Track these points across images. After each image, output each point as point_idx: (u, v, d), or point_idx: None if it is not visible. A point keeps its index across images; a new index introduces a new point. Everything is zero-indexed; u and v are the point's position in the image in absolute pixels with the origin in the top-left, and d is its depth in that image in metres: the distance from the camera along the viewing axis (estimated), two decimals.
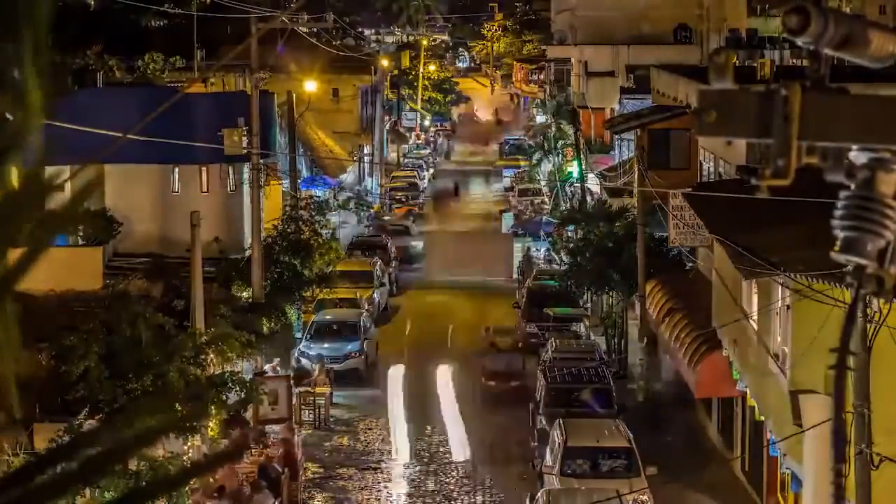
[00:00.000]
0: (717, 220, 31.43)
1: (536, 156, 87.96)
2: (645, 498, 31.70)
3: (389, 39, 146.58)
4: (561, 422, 34.71)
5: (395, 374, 46.94)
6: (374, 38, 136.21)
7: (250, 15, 46.24)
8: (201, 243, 34.19)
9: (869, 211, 3.62)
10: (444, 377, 46.95)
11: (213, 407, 29.90)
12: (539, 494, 31.33)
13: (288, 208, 47.68)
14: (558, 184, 75.16)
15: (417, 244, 69.48)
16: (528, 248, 63.25)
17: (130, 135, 31.06)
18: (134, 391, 28.10)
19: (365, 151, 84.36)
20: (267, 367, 39.00)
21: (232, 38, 52.14)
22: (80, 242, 39.66)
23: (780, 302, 28.38)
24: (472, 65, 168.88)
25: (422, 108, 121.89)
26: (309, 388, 41.11)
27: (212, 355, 31.76)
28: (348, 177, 76.03)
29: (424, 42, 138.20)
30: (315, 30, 62.08)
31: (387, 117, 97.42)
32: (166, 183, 44.95)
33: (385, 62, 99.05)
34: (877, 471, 22.46)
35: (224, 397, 30.58)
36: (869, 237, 3.61)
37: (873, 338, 22.50)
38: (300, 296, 44.54)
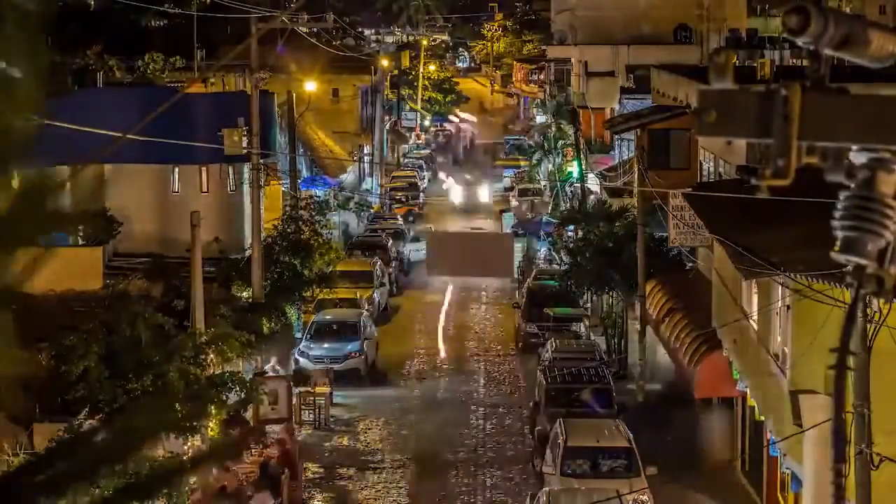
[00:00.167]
0: (717, 220, 31.42)
1: (536, 156, 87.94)
2: (645, 498, 31.69)
3: (389, 39, 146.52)
4: (561, 422, 34.71)
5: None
6: (374, 38, 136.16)
7: (250, 15, 46.23)
8: (201, 243, 34.20)
9: (869, 211, 3.62)
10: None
11: (213, 407, 29.91)
12: (539, 494, 31.33)
13: (288, 208, 47.68)
14: (558, 184, 75.15)
15: (413, 248, 68.66)
16: (528, 249, 63.22)
17: (130, 135, 31.05)
18: (134, 391, 28.11)
19: (365, 151, 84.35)
20: (267, 367, 39.00)
21: (232, 38, 52.12)
22: (80, 242, 39.66)
23: (780, 302, 28.37)
24: (472, 65, 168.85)
25: (422, 108, 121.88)
26: (309, 389, 41.09)
27: (212, 355, 31.77)
28: (348, 177, 76.00)
29: (424, 42, 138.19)
30: (315, 30, 62.07)
31: (387, 117, 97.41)
32: (166, 183, 44.96)
33: (385, 62, 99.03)
34: (877, 471, 22.45)
35: (224, 397, 30.59)
36: (869, 237, 3.61)
37: (873, 338, 22.49)
38: (300, 296, 44.54)
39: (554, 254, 60.00)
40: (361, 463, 38.08)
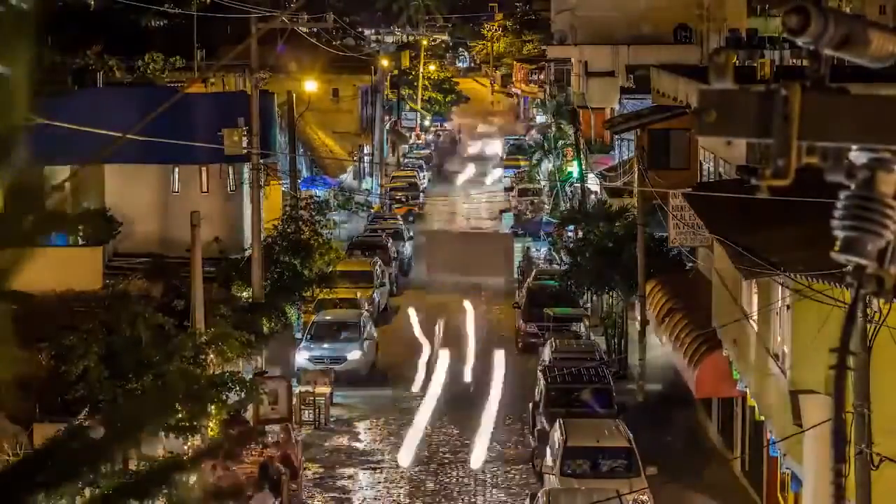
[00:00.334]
0: (717, 220, 31.43)
1: (536, 156, 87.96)
2: (645, 498, 31.70)
3: (389, 39, 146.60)
4: (561, 422, 34.71)
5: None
6: (374, 38, 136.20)
7: (250, 15, 46.24)
8: (201, 243, 34.20)
9: (869, 211, 3.62)
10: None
11: (212, 407, 29.91)
12: (539, 494, 31.35)
13: (288, 208, 47.68)
14: (558, 184, 75.16)
15: (409, 250, 68.47)
16: (528, 248, 63.23)
17: (130, 135, 31.04)
18: (134, 391, 28.10)
19: (365, 151, 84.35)
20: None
21: (232, 38, 52.14)
22: (80, 242, 39.66)
23: (780, 302, 28.37)
24: (472, 65, 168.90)
25: (422, 108, 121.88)
26: (309, 389, 41.09)
27: (212, 355, 31.77)
28: (348, 177, 76.03)
29: (424, 42, 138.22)
30: (315, 30, 62.09)
31: (387, 117, 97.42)
32: (166, 183, 44.95)
33: (385, 62, 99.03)
34: (877, 471, 22.45)
35: (224, 397, 30.58)
36: (869, 237, 3.61)
37: (873, 338, 22.49)
38: (300, 296, 44.53)
39: (554, 254, 59.99)
40: (361, 463, 38.08)
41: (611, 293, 48.41)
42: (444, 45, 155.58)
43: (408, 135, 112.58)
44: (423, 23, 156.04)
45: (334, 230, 53.04)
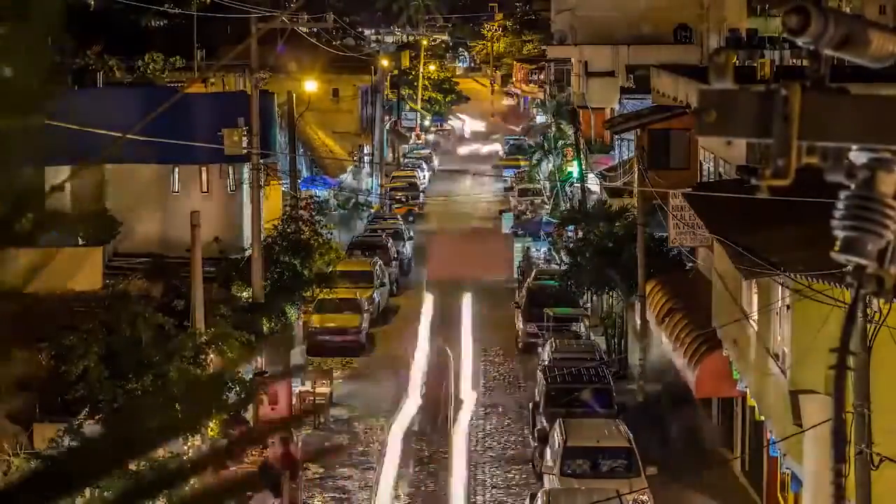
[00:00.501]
0: (717, 220, 31.42)
1: (536, 156, 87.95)
2: (645, 498, 31.71)
3: (389, 39, 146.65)
4: (561, 422, 34.71)
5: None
6: (374, 38, 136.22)
7: (250, 15, 46.26)
8: (201, 243, 34.21)
9: (869, 211, 3.62)
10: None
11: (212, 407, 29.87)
12: (539, 494, 31.35)
13: (288, 208, 47.68)
14: (558, 184, 75.15)
15: (409, 250, 68.42)
16: (529, 248, 63.22)
17: (130, 135, 31.07)
18: (134, 391, 28.11)
19: (365, 151, 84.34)
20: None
21: (232, 38, 52.16)
22: (81, 242, 39.66)
23: (780, 302, 28.38)
24: (472, 65, 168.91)
25: (422, 108, 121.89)
26: (309, 388, 41.10)
27: (212, 355, 31.77)
28: (349, 177, 76.02)
29: (424, 42, 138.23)
30: (315, 30, 62.11)
31: (387, 117, 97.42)
32: (166, 183, 44.96)
33: (385, 62, 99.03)
34: (877, 471, 22.45)
35: (224, 397, 30.55)
36: (869, 237, 3.61)
37: (873, 338, 22.49)
38: (300, 296, 44.54)
39: (554, 254, 59.98)
40: (361, 463, 38.07)
41: (611, 293, 48.42)
42: (444, 45, 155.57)
43: (408, 135, 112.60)
44: (423, 23, 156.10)
45: (334, 230, 53.06)
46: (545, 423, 36.89)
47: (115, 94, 46.01)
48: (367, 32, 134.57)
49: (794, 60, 51.87)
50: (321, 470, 37.42)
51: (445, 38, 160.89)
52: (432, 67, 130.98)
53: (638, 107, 58.29)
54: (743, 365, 32.35)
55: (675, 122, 47.75)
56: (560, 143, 79.50)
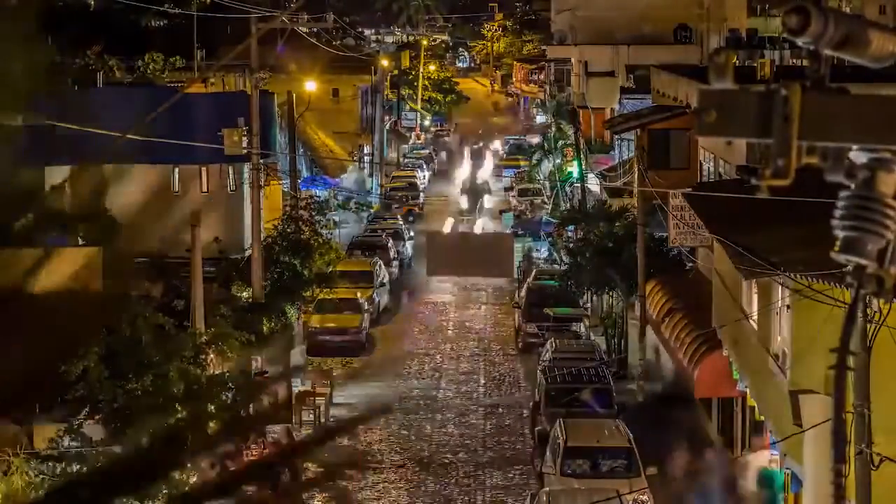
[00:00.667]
0: (717, 220, 31.41)
1: (536, 156, 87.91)
2: (645, 498, 31.71)
3: (389, 39, 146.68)
4: (561, 422, 34.71)
5: None
6: (374, 38, 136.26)
7: (250, 15, 46.25)
8: (201, 243, 34.20)
9: (869, 211, 3.62)
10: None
11: (212, 407, 29.89)
12: (539, 494, 31.34)
13: (288, 208, 47.68)
14: (558, 184, 75.14)
15: (408, 250, 68.34)
16: (530, 249, 63.22)
17: (130, 135, 31.07)
18: (134, 391, 28.10)
19: (365, 151, 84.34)
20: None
21: (232, 38, 52.13)
22: (81, 243, 39.62)
23: (780, 302, 28.37)
24: (472, 65, 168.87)
25: (422, 108, 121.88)
26: (309, 388, 41.09)
27: (212, 355, 31.77)
28: (349, 177, 76.04)
29: (424, 42, 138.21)
30: (315, 30, 62.08)
31: (387, 117, 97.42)
32: (166, 183, 44.96)
33: (385, 62, 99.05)
34: (877, 471, 22.45)
35: (224, 397, 30.56)
36: (869, 237, 3.61)
37: (873, 338, 22.48)
38: (300, 296, 44.54)
39: (554, 254, 59.97)
40: (361, 463, 38.07)
41: (611, 293, 48.41)
42: (444, 45, 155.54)
43: (408, 135, 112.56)
44: (423, 23, 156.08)
45: (334, 230, 53.06)
46: (545, 424, 36.89)
47: (115, 94, 46.01)
48: (367, 32, 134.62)
49: (794, 60, 51.87)
50: (321, 470, 37.36)
51: (445, 38, 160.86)
52: (432, 67, 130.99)
53: (638, 107, 58.28)
54: (743, 365, 32.34)
55: (675, 122, 47.74)
56: (560, 143, 79.49)
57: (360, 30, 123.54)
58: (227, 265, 40.88)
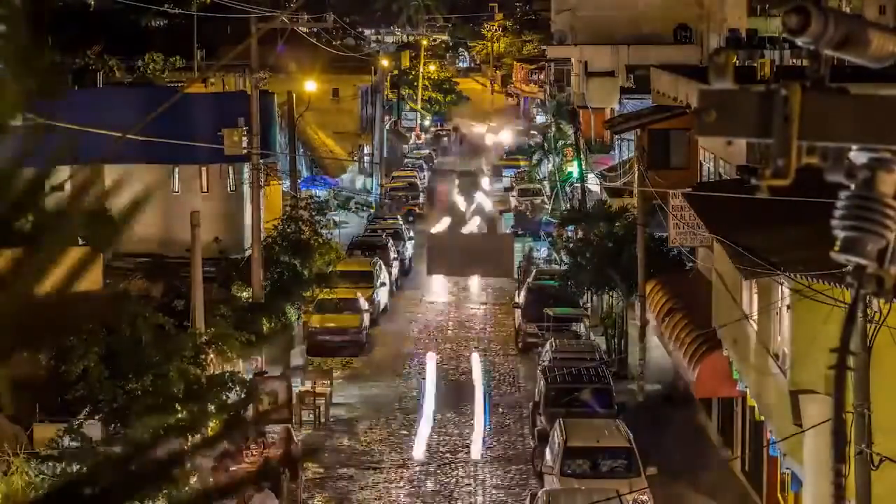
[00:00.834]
0: (717, 220, 31.41)
1: (536, 156, 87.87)
2: (645, 498, 31.69)
3: (389, 39, 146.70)
4: (561, 422, 34.70)
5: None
6: (374, 38, 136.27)
7: (250, 15, 46.26)
8: (201, 243, 34.21)
9: (869, 211, 3.62)
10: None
11: (213, 407, 29.91)
12: (539, 494, 31.34)
13: (288, 208, 47.69)
14: (558, 184, 75.14)
15: (410, 249, 68.30)
16: (531, 249, 63.21)
17: (130, 135, 31.07)
18: (134, 391, 28.11)
19: (365, 151, 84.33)
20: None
21: (232, 38, 52.16)
22: (80, 243, 39.63)
23: (780, 302, 28.37)
24: (472, 65, 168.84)
25: (422, 108, 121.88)
26: (309, 389, 41.08)
27: (212, 355, 31.78)
28: (349, 177, 76.06)
29: (424, 42, 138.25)
30: (315, 30, 62.13)
31: (387, 117, 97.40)
32: (166, 183, 44.97)
33: (385, 62, 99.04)
34: (877, 471, 22.45)
35: (224, 397, 30.58)
36: (869, 237, 3.61)
37: (873, 338, 22.49)
38: (300, 296, 44.54)
39: (554, 254, 59.97)
40: (361, 463, 38.06)
41: (611, 293, 48.40)
42: (443, 45, 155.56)
43: (408, 135, 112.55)
44: (422, 23, 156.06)
45: (334, 230, 53.07)
46: (545, 423, 36.88)
47: (115, 94, 46.03)
48: (366, 32, 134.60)
49: (794, 60, 51.87)
50: (321, 470, 37.41)
51: (445, 38, 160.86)
52: (432, 67, 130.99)
53: (638, 107, 58.29)
54: (743, 365, 32.34)
55: (675, 122, 47.74)
56: (560, 143, 79.48)
57: (360, 30, 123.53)
58: (226, 265, 40.89)
